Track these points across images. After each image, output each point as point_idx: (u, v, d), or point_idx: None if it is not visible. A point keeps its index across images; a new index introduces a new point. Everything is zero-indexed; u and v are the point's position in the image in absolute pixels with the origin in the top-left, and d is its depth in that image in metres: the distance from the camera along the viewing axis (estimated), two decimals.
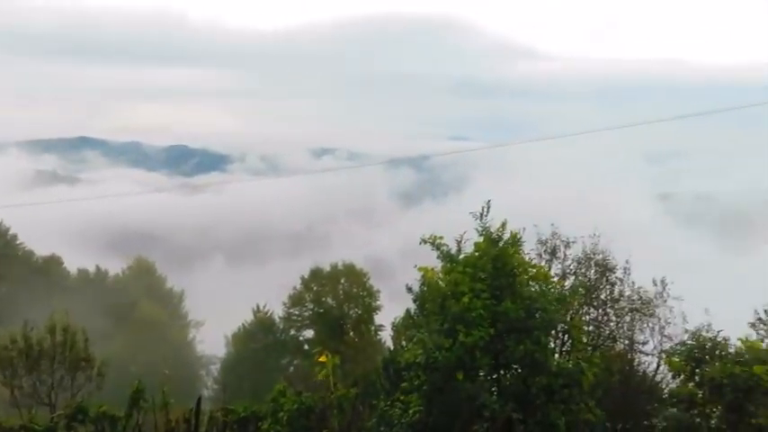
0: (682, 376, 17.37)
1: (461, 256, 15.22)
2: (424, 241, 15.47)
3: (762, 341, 17.75)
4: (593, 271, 19.06)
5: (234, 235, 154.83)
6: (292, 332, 52.45)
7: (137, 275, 61.05)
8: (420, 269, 15.60)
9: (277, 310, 53.08)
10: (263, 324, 52.83)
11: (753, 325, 18.14)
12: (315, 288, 51.30)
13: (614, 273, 18.97)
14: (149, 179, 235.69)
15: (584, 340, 17.89)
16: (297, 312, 51.66)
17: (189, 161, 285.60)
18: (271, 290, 59.80)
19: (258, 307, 53.97)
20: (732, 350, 16.91)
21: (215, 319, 61.16)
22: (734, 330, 18.10)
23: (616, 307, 18.96)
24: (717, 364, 16.58)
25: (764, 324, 17.99)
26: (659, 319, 18.52)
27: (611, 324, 19.04)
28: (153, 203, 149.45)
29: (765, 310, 18.01)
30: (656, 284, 18.58)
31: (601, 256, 19.01)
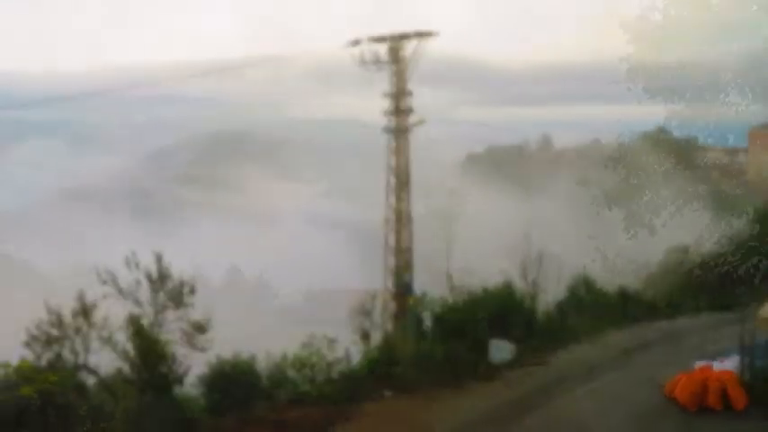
0: None
1: None
2: None
3: (39, 358, 17.35)
4: None
5: None
6: None
7: None
8: None
9: None
10: None
11: (28, 344, 17.55)
12: None
13: None
14: None
15: None
16: None
17: None
18: None
19: None
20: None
21: None
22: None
23: None
24: None
25: (38, 340, 17.58)
26: None
27: None
28: None
29: (36, 327, 17.58)
30: None
31: None
